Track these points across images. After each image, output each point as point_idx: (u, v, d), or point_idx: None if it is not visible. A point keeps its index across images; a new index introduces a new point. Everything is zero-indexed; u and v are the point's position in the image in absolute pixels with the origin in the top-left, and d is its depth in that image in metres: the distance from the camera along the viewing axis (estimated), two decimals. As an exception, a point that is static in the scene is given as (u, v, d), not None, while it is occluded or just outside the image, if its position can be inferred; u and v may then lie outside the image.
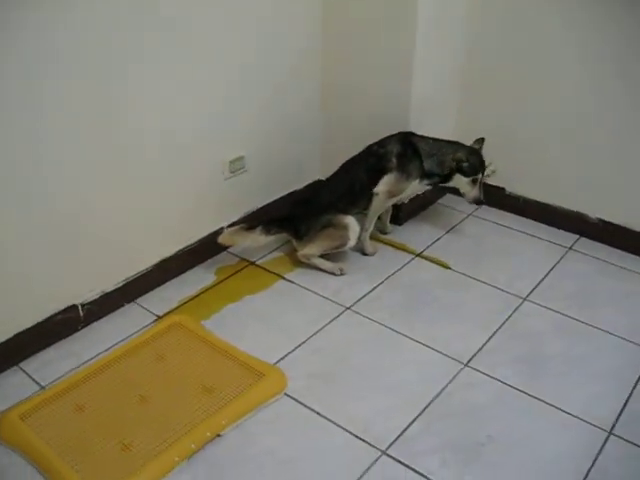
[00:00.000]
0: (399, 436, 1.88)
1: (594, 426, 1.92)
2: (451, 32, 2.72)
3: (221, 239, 2.48)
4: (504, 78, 2.78)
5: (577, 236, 2.80)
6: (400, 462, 1.80)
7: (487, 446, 1.86)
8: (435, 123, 2.78)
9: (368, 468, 1.79)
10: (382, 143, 2.53)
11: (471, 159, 2.57)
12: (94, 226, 2.19)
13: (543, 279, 2.55)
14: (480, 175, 2.61)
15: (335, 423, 1.92)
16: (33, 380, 2.06)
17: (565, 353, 2.19)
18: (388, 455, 1.83)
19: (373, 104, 2.73)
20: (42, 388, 2.03)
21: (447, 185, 2.67)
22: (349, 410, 1.97)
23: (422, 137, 2.56)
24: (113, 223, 2.25)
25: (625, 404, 2.00)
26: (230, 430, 1.89)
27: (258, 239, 2.49)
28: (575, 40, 2.55)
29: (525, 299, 2.44)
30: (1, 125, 1.84)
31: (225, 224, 2.59)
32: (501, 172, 2.94)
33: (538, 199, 2.87)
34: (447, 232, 2.85)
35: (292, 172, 2.84)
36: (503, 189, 2.96)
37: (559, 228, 2.84)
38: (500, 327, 2.30)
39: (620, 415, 1.96)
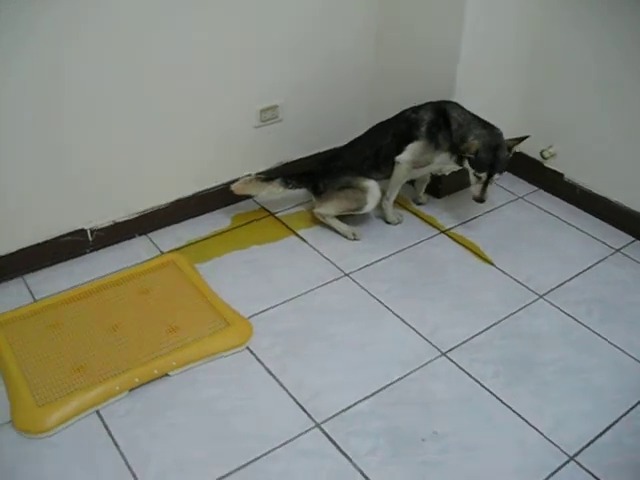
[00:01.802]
0: (339, 413, 1.82)
1: (557, 447, 1.74)
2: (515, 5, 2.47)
3: (234, 187, 2.46)
4: (579, 60, 2.49)
5: (632, 239, 2.50)
6: (329, 438, 1.74)
7: (428, 442, 1.75)
8: (493, 97, 2.57)
9: (296, 437, 1.75)
10: (416, 109, 2.37)
11: (482, 153, 2.24)
12: (111, 156, 2.26)
13: (571, 279, 2.31)
14: (485, 175, 2.29)
15: (283, 387, 1.89)
16: (30, 293, 2.20)
17: (560, 362, 1.99)
18: (321, 429, 1.77)
19: (422, 65, 2.56)
20: (35, 301, 2.17)
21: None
22: (302, 377, 1.92)
23: (459, 108, 2.35)
24: (131, 156, 2.31)
25: (603, 432, 1.79)
26: (179, 372, 1.92)
27: (275, 191, 2.45)
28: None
29: (541, 297, 2.23)
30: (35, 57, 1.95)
31: (252, 172, 2.58)
32: (562, 157, 2.66)
33: (597, 192, 2.58)
34: (487, 212, 2.65)
35: (334, 128, 2.74)
36: (562, 175, 2.68)
37: (614, 227, 2.55)
38: (499, 322, 2.13)
39: (592, 442, 1.76)
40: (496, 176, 2.31)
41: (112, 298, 2.15)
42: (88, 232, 2.33)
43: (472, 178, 2.34)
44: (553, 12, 2.48)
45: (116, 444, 1.72)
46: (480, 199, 2.36)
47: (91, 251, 2.37)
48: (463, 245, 2.47)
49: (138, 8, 2.08)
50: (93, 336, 2.01)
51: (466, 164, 2.32)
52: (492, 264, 2.37)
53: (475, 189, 2.35)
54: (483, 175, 2.29)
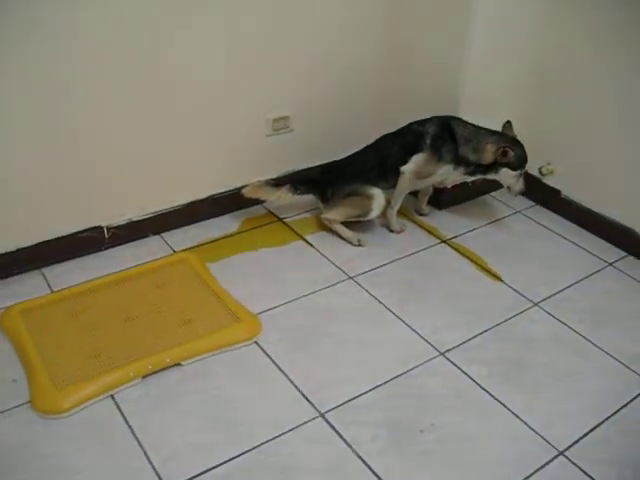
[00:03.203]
0: (343, 404, 1.91)
1: (547, 442, 1.83)
2: (518, 16, 2.59)
3: (245, 191, 2.57)
4: (578, 79, 2.62)
5: (624, 253, 2.62)
6: (332, 427, 1.84)
7: (426, 433, 1.84)
8: (495, 112, 2.68)
9: (301, 425, 1.84)
10: (422, 122, 2.51)
11: (517, 151, 2.47)
12: (128, 158, 2.38)
13: (565, 289, 2.41)
14: (525, 167, 2.53)
15: (289, 378, 1.99)
16: (48, 284, 2.30)
17: (552, 365, 2.09)
18: (324, 418, 1.87)
19: (429, 80, 2.69)
20: (52, 292, 2.27)
21: (489, 177, 2.57)
22: (307, 370, 2.02)
23: (463, 122, 2.49)
24: (148, 158, 2.43)
25: (592, 430, 1.88)
26: (191, 362, 2.02)
27: (284, 196, 2.57)
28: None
29: (536, 304, 2.33)
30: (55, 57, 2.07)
31: (263, 179, 2.68)
32: (560, 174, 2.79)
33: (592, 208, 2.70)
34: (486, 224, 2.77)
35: (342, 141, 2.83)
36: (559, 192, 2.81)
37: (608, 242, 2.66)
38: (496, 326, 2.23)
39: (581, 439, 1.85)
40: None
41: (127, 291, 2.25)
42: (105, 229, 2.44)
43: (511, 180, 2.55)
44: (553, 34, 2.62)
45: (130, 427, 1.81)
46: (524, 190, 2.59)
47: (107, 248, 2.47)
48: (463, 254, 2.58)
49: (153, 19, 2.20)
50: (109, 326, 2.11)
51: (503, 173, 2.51)
52: (490, 272, 2.48)
53: (519, 185, 2.57)
54: (525, 167, 2.53)
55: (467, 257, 2.56)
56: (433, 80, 2.67)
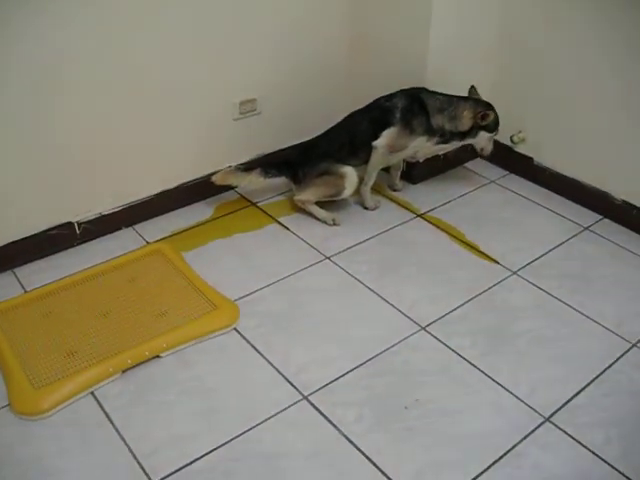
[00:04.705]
0: (325, 385, 1.90)
1: (533, 410, 1.84)
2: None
3: (215, 178, 2.54)
4: (544, 46, 2.60)
5: (600, 217, 2.62)
6: (317, 409, 1.83)
7: (411, 410, 1.84)
8: (463, 81, 2.65)
9: (285, 409, 1.83)
10: (389, 97, 2.48)
11: (493, 114, 2.51)
12: (96, 150, 2.33)
13: (542, 256, 2.41)
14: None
15: (270, 363, 1.97)
16: (20, 285, 2.25)
17: (534, 333, 2.09)
18: (308, 401, 1.85)
19: (396, 55, 2.65)
20: (25, 292, 2.22)
21: (465, 142, 2.59)
22: (288, 353, 2.01)
23: (432, 93, 2.49)
24: (116, 149, 2.38)
25: (577, 394, 1.89)
26: (170, 353, 1.99)
27: (255, 181, 2.54)
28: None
29: (515, 273, 2.33)
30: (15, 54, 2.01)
31: (233, 164, 2.65)
32: (531, 141, 2.78)
33: (565, 173, 2.69)
34: (461, 196, 2.76)
35: (311, 120, 2.80)
36: (531, 159, 2.80)
37: (583, 206, 2.66)
38: (475, 297, 2.23)
39: (566, 404, 1.86)
40: None
41: (101, 286, 2.22)
42: (75, 225, 2.39)
43: (485, 142, 2.61)
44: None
45: (112, 422, 1.79)
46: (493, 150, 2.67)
47: (79, 244, 2.42)
48: (439, 227, 2.57)
49: (118, 6, 2.15)
50: (85, 323, 2.07)
51: (480, 136, 2.56)
52: (467, 244, 2.47)
53: (491, 146, 2.63)
54: (499, 128, 2.59)
55: (443, 230, 2.55)
56: (400, 52, 2.63)
